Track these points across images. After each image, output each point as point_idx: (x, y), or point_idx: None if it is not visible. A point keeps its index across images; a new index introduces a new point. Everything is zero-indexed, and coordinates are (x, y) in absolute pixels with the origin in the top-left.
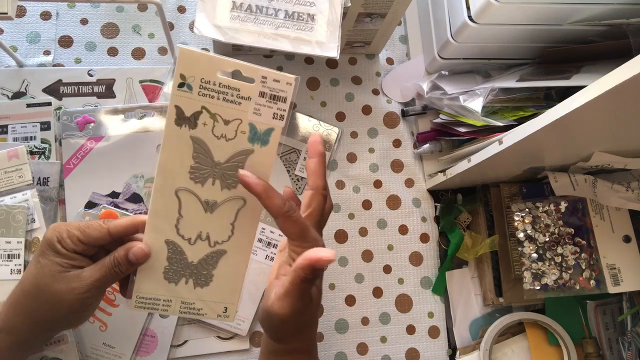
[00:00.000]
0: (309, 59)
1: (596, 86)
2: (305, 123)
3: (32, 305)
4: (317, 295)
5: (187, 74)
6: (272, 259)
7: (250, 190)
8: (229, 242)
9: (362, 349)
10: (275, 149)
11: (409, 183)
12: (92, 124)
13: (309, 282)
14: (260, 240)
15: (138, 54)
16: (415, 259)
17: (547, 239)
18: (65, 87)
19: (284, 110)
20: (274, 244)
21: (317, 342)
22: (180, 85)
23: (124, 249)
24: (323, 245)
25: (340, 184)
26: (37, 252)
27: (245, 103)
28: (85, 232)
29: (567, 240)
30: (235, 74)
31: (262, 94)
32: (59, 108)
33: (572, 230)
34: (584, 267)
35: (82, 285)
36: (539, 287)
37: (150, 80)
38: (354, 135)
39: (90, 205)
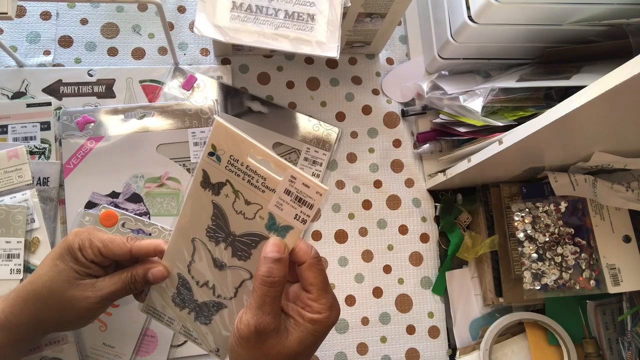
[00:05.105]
0: (309, 59)
1: (596, 86)
2: (305, 123)
3: (41, 307)
4: None
5: (218, 146)
6: None
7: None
8: (231, 301)
9: (362, 349)
10: (292, 245)
11: (409, 183)
12: (92, 124)
13: None
14: None
15: (138, 54)
16: (415, 259)
17: (547, 239)
18: (65, 87)
19: (308, 215)
20: None
21: None
22: (210, 154)
23: (142, 269)
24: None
25: (340, 184)
26: (55, 255)
27: (269, 193)
28: (107, 247)
29: (567, 240)
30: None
31: (287, 192)
32: (59, 108)
33: (572, 230)
34: (584, 267)
35: (96, 295)
36: (539, 287)
37: (150, 80)
38: (354, 135)
39: (90, 205)
